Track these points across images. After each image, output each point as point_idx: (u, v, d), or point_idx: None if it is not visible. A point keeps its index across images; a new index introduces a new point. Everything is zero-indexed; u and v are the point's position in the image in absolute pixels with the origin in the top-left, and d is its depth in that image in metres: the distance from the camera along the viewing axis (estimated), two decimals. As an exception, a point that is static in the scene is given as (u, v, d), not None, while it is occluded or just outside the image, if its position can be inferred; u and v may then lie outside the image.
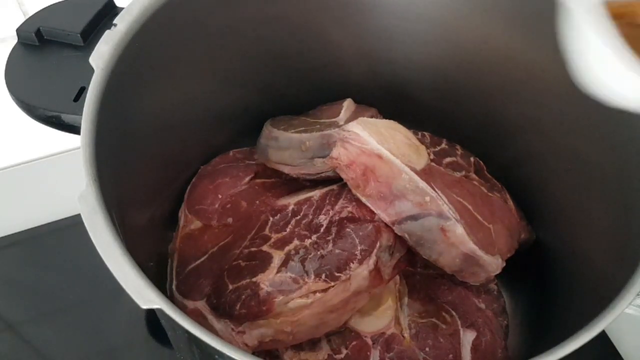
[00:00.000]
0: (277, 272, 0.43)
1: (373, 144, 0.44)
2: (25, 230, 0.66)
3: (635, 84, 0.27)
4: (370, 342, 0.48)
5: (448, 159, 0.55)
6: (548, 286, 0.54)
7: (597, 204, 0.48)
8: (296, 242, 0.46)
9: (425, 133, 0.58)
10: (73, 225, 0.65)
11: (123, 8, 0.42)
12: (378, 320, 0.49)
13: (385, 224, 0.45)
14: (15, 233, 0.66)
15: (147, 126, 0.47)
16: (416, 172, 0.44)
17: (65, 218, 0.67)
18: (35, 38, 0.48)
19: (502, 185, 0.56)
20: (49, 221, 0.67)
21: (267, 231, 0.48)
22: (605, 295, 0.36)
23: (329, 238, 0.45)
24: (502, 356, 0.49)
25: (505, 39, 0.51)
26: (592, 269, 0.47)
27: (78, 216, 0.33)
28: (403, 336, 0.49)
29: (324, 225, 0.46)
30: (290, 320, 0.43)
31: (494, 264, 0.46)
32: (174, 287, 0.49)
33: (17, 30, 0.49)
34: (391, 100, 0.60)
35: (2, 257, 0.65)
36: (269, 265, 0.44)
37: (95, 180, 0.35)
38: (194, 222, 0.54)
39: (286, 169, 0.53)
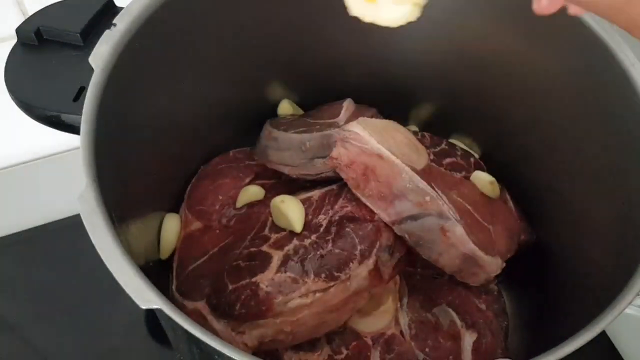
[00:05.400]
0: (277, 272, 0.43)
1: (373, 144, 0.44)
2: (25, 230, 0.66)
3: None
4: (370, 342, 0.48)
5: (448, 159, 0.55)
6: (548, 286, 0.54)
7: (597, 204, 0.48)
8: (295, 242, 0.46)
9: (425, 133, 0.58)
10: (73, 225, 0.65)
11: (123, 8, 0.42)
12: (378, 321, 0.49)
13: (385, 223, 0.45)
14: (15, 233, 0.66)
15: (147, 126, 0.47)
16: (416, 172, 0.44)
17: (65, 218, 0.66)
18: (35, 38, 0.48)
19: (502, 185, 0.56)
20: (49, 221, 0.67)
21: (266, 231, 0.48)
22: (605, 296, 0.36)
23: (328, 238, 0.45)
24: (502, 357, 0.49)
25: (506, 39, 0.51)
26: (592, 269, 0.47)
27: (78, 216, 0.33)
28: (403, 336, 0.48)
29: (324, 225, 0.46)
30: (290, 320, 0.43)
31: (494, 264, 0.46)
32: (174, 287, 0.49)
33: (17, 30, 0.49)
34: (391, 100, 0.60)
35: (2, 257, 0.65)
36: (269, 266, 0.44)
37: (95, 180, 0.35)
38: (194, 222, 0.54)
39: (286, 170, 0.53)
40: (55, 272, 0.63)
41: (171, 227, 0.53)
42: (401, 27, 0.53)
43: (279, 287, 0.43)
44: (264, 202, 0.53)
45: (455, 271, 0.46)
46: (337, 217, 0.47)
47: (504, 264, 0.47)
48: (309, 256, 0.44)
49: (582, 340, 0.32)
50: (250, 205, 0.54)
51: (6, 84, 0.46)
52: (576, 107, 0.48)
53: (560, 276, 0.53)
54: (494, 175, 0.54)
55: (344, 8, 0.55)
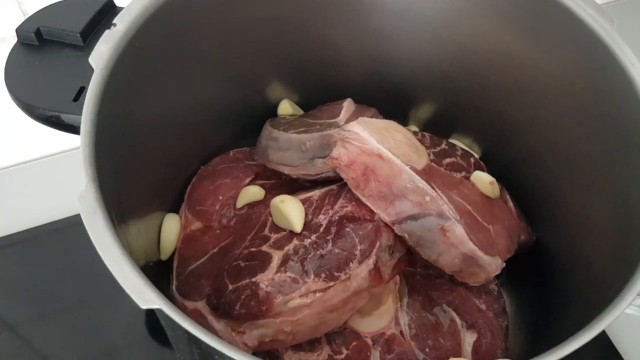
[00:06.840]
0: (277, 272, 0.43)
1: (373, 144, 0.44)
2: (25, 230, 0.66)
3: None
4: (370, 342, 0.48)
5: (448, 160, 0.55)
6: (548, 286, 0.54)
7: (597, 204, 0.48)
8: (295, 242, 0.46)
9: (425, 133, 0.58)
10: (73, 225, 0.65)
11: (123, 8, 0.42)
12: (378, 321, 0.49)
13: (385, 223, 0.45)
14: (15, 233, 0.66)
15: (147, 126, 0.47)
16: (416, 172, 0.44)
17: (65, 218, 0.67)
18: (35, 38, 0.48)
19: (502, 185, 0.56)
20: (49, 221, 0.67)
21: (266, 231, 0.48)
22: (605, 296, 0.36)
23: (328, 238, 0.45)
24: (502, 357, 0.49)
25: (505, 39, 0.51)
26: (592, 269, 0.47)
27: (78, 216, 0.33)
28: (403, 336, 0.48)
29: (324, 225, 0.46)
30: (290, 320, 0.43)
31: (494, 264, 0.46)
32: (174, 287, 0.49)
33: (17, 29, 0.49)
34: (391, 100, 0.60)
35: (2, 257, 0.65)
36: (269, 265, 0.44)
37: (94, 180, 0.35)
38: (194, 223, 0.54)
39: (286, 170, 0.53)
40: (55, 272, 0.63)
41: (171, 227, 0.53)
42: (401, 27, 0.54)
43: (279, 287, 0.43)
44: (264, 202, 0.53)
45: (455, 271, 0.46)
46: (337, 217, 0.47)
47: (504, 264, 0.47)
48: (309, 256, 0.44)
49: (582, 340, 0.32)
50: (250, 205, 0.54)
51: (6, 84, 0.46)
52: (576, 107, 0.48)
53: (560, 276, 0.53)
54: (494, 175, 0.54)
55: (343, 8, 0.55)
